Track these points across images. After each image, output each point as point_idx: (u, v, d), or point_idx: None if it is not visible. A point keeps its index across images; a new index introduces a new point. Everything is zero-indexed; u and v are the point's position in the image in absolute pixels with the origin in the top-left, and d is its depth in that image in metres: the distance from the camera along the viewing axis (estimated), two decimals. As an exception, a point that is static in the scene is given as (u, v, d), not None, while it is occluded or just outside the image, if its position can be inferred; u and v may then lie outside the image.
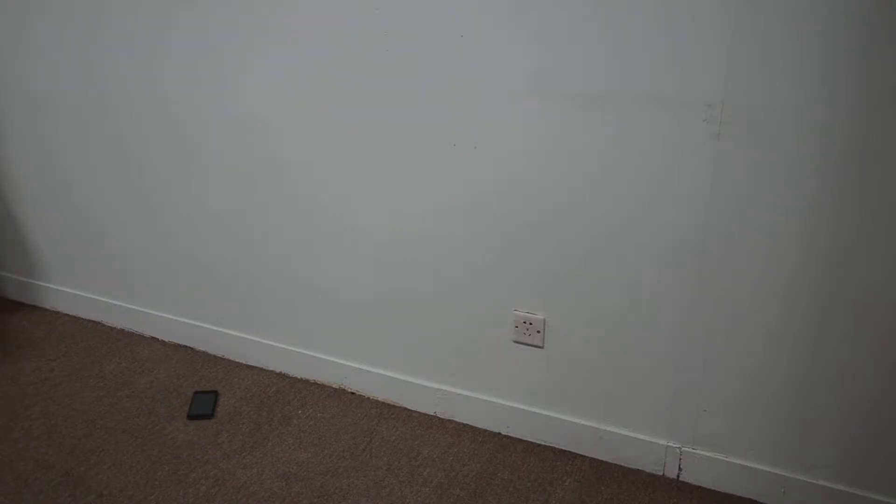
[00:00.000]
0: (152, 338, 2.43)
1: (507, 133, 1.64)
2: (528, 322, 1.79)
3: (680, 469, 1.77)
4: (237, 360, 2.29)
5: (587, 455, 1.85)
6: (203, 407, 2.05)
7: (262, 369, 2.25)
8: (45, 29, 2.14)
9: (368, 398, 2.10)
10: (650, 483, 1.77)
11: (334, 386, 2.15)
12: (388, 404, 2.07)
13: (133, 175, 2.21)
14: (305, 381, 2.18)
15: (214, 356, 2.32)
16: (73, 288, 2.54)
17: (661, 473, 1.79)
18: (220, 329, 2.29)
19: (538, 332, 1.79)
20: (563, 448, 1.88)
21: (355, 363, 2.09)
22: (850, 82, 1.33)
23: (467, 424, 1.99)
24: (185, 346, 2.37)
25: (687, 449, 1.75)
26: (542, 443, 1.90)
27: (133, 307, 2.43)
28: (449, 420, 2.01)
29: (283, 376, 2.21)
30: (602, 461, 1.84)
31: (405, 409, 2.06)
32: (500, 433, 1.95)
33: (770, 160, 1.43)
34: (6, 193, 2.50)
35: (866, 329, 1.48)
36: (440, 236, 1.81)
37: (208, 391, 2.13)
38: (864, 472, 1.59)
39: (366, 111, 1.77)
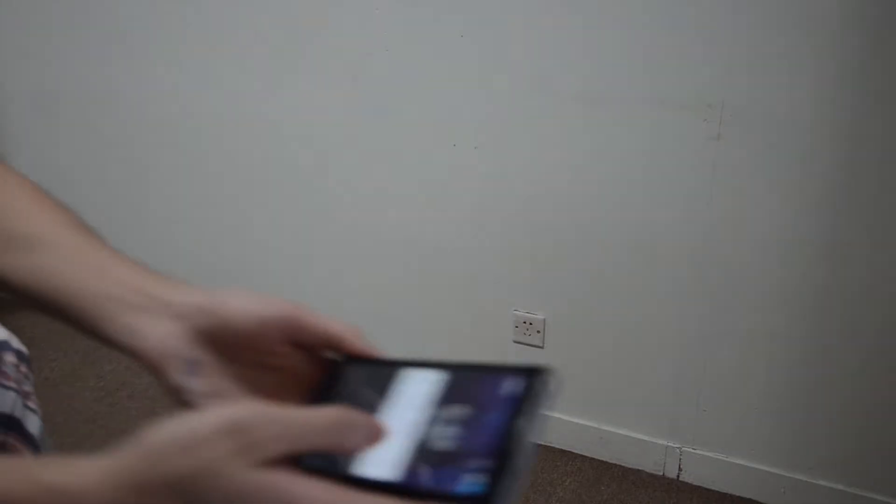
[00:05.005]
0: (152, 338, 2.43)
1: (507, 133, 1.64)
2: (528, 322, 1.79)
3: (680, 469, 1.76)
4: (237, 360, 2.29)
5: (587, 455, 1.85)
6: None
7: (262, 369, 2.24)
8: (46, 30, 2.13)
9: (368, 398, 2.10)
10: (650, 483, 1.77)
11: (334, 386, 2.15)
12: (388, 404, 2.07)
13: (132, 175, 2.20)
14: (305, 381, 2.18)
15: (214, 356, 2.32)
16: (72, 288, 2.54)
17: (661, 473, 1.79)
18: (220, 329, 2.28)
19: (538, 332, 1.79)
20: (563, 448, 1.88)
21: (355, 363, 2.09)
22: (851, 82, 1.33)
23: (467, 424, 1.98)
24: (185, 346, 2.37)
25: (687, 449, 1.75)
26: (542, 443, 1.90)
27: (133, 307, 2.43)
28: (449, 420, 2.01)
29: (283, 376, 2.21)
30: (602, 461, 1.84)
31: (405, 409, 2.05)
32: (500, 433, 1.95)
33: (771, 161, 1.43)
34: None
35: (867, 329, 1.48)
36: (440, 236, 1.81)
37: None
38: (865, 472, 1.59)
39: (365, 111, 1.77)
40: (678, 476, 1.77)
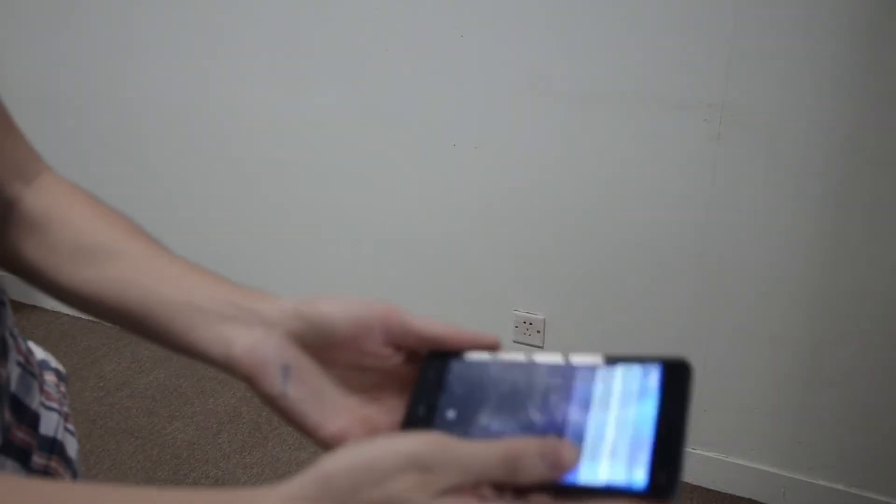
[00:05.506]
0: (152, 338, 2.43)
1: (507, 133, 1.64)
2: (528, 322, 1.79)
3: (680, 469, 1.76)
4: (237, 360, 2.29)
5: (587, 455, 1.85)
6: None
7: (262, 369, 2.24)
8: (46, 30, 2.13)
9: (368, 398, 2.10)
10: (650, 483, 1.76)
11: (334, 386, 2.15)
12: (388, 404, 2.07)
13: (130, 175, 2.20)
14: (305, 381, 2.18)
15: (214, 356, 2.32)
16: (73, 288, 2.54)
17: (661, 473, 1.79)
18: (220, 329, 2.28)
19: (538, 332, 1.79)
20: (563, 448, 1.87)
21: (355, 363, 2.09)
22: (850, 83, 1.33)
23: (467, 424, 1.99)
24: (185, 346, 2.37)
25: (687, 449, 1.74)
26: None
27: (133, 307, 2.43)
28: (449, 420, 2.01)
29: (283, 376, 2.21)
30: (602, 461, 1.83)
31: (405, 409, 2.05)
32: (500, 433, 1.95)
33: (770, 161, 1.43)
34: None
35: (866, 329, 1.48)
36: (440, 237, 1.81)
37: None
38: (864, 472, 1.59)
39: (365, 111, 1.77)
40: (678, 476, 1.77)
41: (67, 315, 2.57)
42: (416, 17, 1.63)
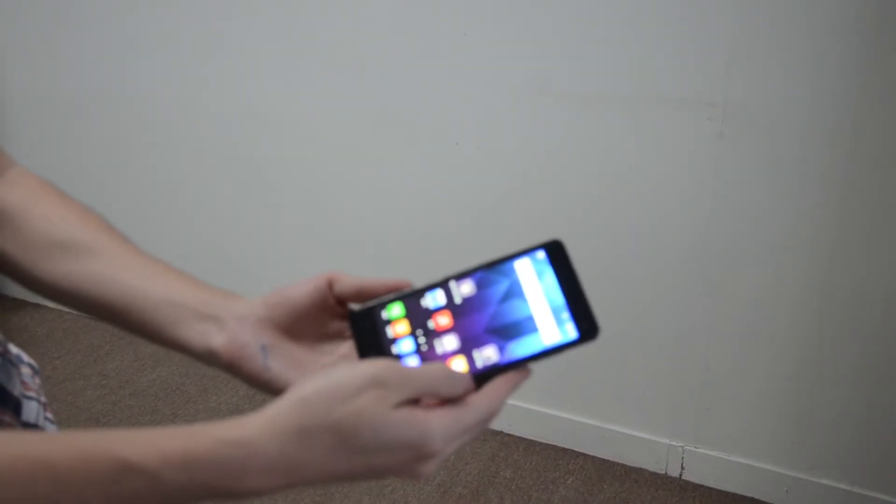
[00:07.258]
0: (155, 336, 2.43)
1: (510, 132, 1.63)
2: (530, 321, 1.79)
3: (682, 468, 1.76)
4: (239, 359, 2.29)
5: (589, 453, 1.85)
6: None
7: (264, 367, 2.24)
8: (47, 30, 2.14)
9: (371, 396, 2.10)
10: (652, 482, 1.76)
11: (336, 384, 2.15)
12: (391, 403, 2.07)
13: (131, 173, 2.21)
14: (308, 380, 2.18)
15: (217, 354, 2.32)
16: (75, 286, 2.54)
17: (663, 472, 1.79)
18: (223, 327, 2.28)
19: (540, 330, 1.79)
20: (566, 446, 1.88)
21: (357, 361, 2.09)
22: (853, 82, 1.32)
23: (469, 423, 1.98)
24: (188, 345, 2.37)
25: (689, 448, 1.74)
26: (545, 441, 1.90)
27: (135, 305, 2.43)
28: (451, 418, 2.00)
29: (285, 374, 2.21)
30: (604, 460, 1.83)
31: (407, 407, 2.05)
32: (502, 431, 1.95)
33: (773, 159, 1.43)
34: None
35: (869, 328, 1.48)
36: (442, 235, 1.81)
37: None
38: (867, 471, 1.58)
39: (367, 110, 1.77)
40: (680, 475, 1.77)
41: (70, 313, 2.57)
42: (419, 15, 1.63)
